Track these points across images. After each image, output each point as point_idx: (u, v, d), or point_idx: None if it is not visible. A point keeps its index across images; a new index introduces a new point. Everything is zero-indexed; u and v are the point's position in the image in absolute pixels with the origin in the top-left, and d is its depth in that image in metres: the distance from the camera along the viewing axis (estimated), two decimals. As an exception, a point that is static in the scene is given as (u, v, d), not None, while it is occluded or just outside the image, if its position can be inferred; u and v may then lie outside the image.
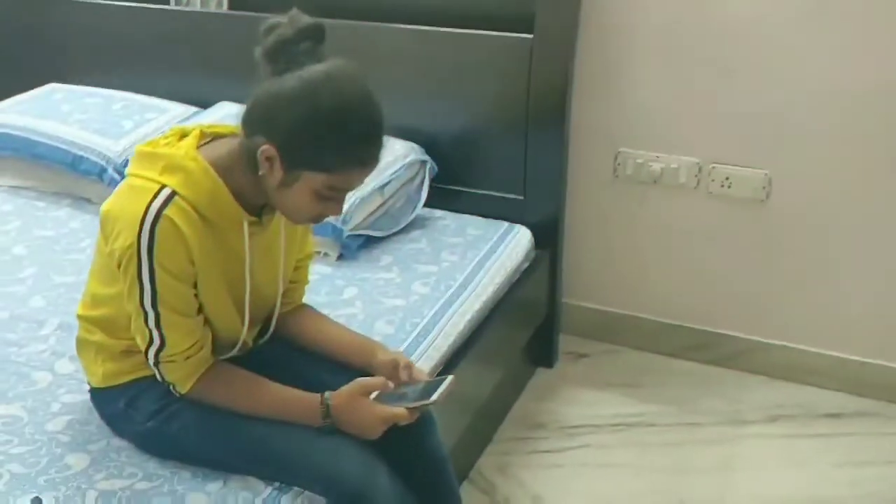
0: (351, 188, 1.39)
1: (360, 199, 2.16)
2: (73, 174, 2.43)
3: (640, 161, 2.41)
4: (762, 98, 2.24)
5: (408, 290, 2.01)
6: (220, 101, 2.54)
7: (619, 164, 2.45)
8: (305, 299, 1.68)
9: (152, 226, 1.31)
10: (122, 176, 1.44)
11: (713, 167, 2.35)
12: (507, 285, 2.20)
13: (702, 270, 2.48)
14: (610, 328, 2.62)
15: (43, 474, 1.41)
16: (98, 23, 2.75)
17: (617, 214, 2.51)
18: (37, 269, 2.06)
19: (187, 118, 2.57)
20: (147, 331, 1.37)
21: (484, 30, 2.28)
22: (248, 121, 1.35)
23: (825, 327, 2.40)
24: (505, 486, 2.08)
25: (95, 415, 1.53)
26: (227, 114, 2.44)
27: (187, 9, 2.65)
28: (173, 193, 1.34)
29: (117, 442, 1.48)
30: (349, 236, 2.15)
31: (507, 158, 2.36)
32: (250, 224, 1.42)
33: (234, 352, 1.51)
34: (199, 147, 1.41)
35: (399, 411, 1.41)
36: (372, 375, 1.50)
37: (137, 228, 1.31)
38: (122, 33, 2.73)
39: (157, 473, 1.41)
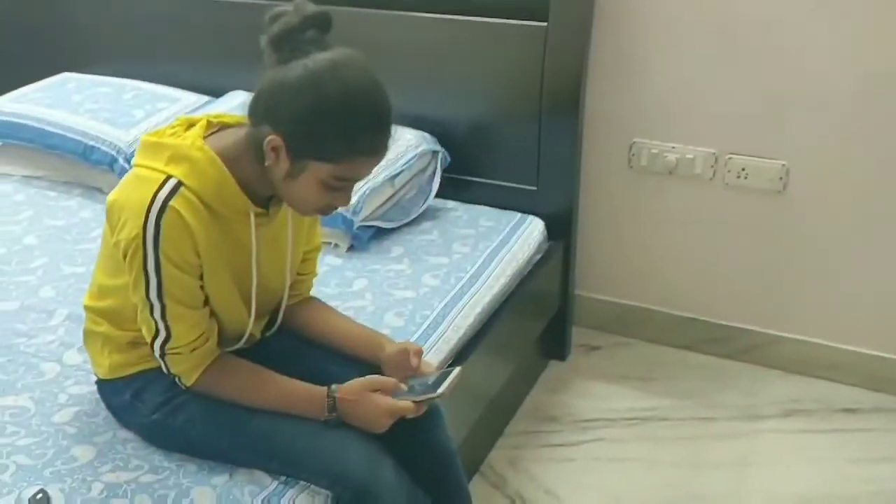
0: (359, 178, 1.37)
1: (370, 189, 2.14)
2: (84, 164, 2.43)
3: (655, 151, 2.38)
4: (780, 87, 2.20)
5: (418, 281, 1.99)
6: (236, 88, 2.53)
7: (633, 155, 2.41)
8: (314, 291, 1.66)
9: (158, 216, 1.30)
10: (132, 166, 1.43)
11: (730, 158, 2.31)
12: (519, 277, 2.17)
13: (717, 263, 2.44)
14: (623, 321, 2.59)
15: (49, 466, 1.40)
16: (112, 11, 2.74)
17: (631, 205, 2.48)
18: (47, 259, 2.06)
19: (199, 107, 2.56)
20: (153, 322, 1.36)
21: (497, 17, 2.25)
22: (254, 110, 1.34)
23: (842, 321, 2.36)
24: (516, 480, 2.07)
25: (102, 406, 1.53)
26: (239, 103, 2.43)
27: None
28: (179, 184, 1.32)
29: (123, 434, 1.48)
30: (360, 227, 2.13)
31: (520, 148, 2.33)
32: (257, 215, 1.41)
33: (241, 344, 1.50)
34: (205, 137, 1.39)
35: (405, 404, 1.39)
36: (380, 369, 1.49)
37: (143, 219, 1.30)
38: (136, 21, 2.72)
39: (163, 466, 1.40)
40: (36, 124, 2.49)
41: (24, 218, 2.27)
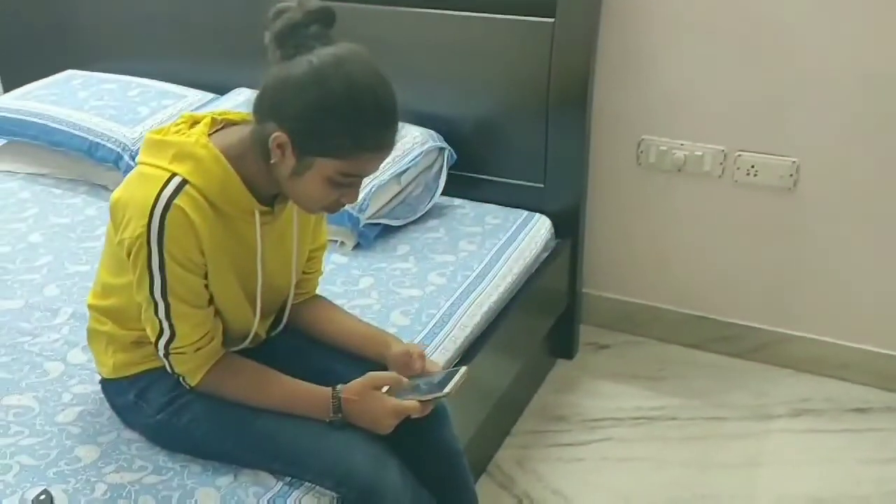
0: (366, 174, 1.35)
1: (376, 187, 2.12)
2: (89, 161, 2.42)
3: (663, 148, 2.36)
4: (790, 83, 2.18)
5: (424, 280, 1.98)
6: (240, 85, 2.52)
7: (641, 152, 2.39)
8: (320, 289, 1.65)
9: (162, 215, 1.29)
10: (136, 164, 1.42)
11: (739, 155, 2.29)
12: (527, 275, 2.16)
13: (727, 261, 2.42)
14: (631, 319, 2.57)
15: (52, 466, 1.40)
16: (117, 8, 2.74)
17: (640, 203, 2.45)
18: (52, 257, 2.05)
19: (204, 104, 2.55)
20: (157, 321, 1.35)
21: (503, 13, 2.23)
22: (259, 107, 1.32)
23: (853, 319, 2.34)
24: (523, 480, 2.05)
25: (106, 406, 1.52)
26: (244, 100, 2.42)
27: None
28: (184, 182, 1.31)
29: (128, 434, 1.47)
30: (366, 225, 2.11)
31: (527, 145, 2.32)
32: (262, 214, 1.39)
33: (247, 343, 1.49)
34: (210, 134, 1.38)
35: (411, 404, 1.38)
36: (385, 368, 1.48)
37: (147, 217, 1.29)
38: (141, 18, 2.71)
39: (167, 467, 1.39)
40: (41, 121, 2.48)
41: (30, 215, 2.26)
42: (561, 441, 2.18)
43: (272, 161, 1.30)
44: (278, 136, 1.28)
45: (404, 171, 2.22)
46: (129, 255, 1.32)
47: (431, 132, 2.33)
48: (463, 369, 1.44)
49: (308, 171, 1.30)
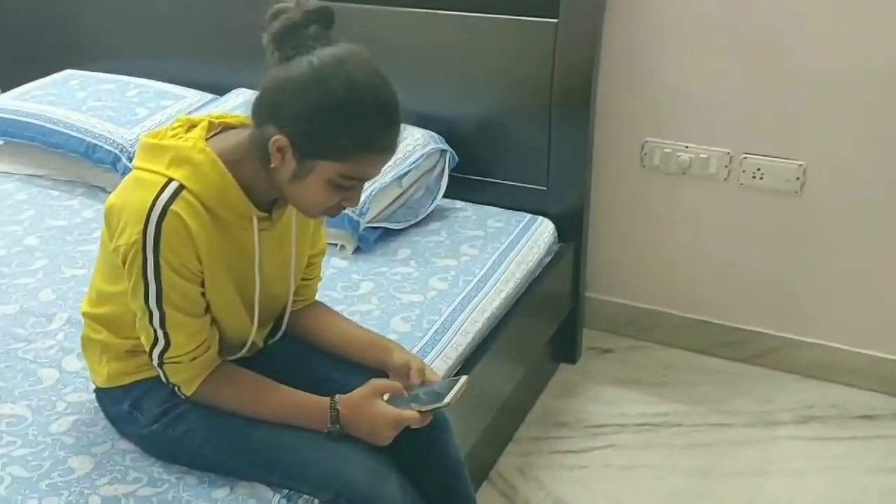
0: (368, 177, 1.32)
1: (377, 190, 2.09)
2: (87, 162, 2.39)
3: (667, 151, 2.33)
4: (797, 85, 2.14)
5: (425, 285, 1.95)
6: (239, 86, 2.49)
7: (645, 154, 2.36)
8: (320, 295, 1.62)
9: (158, 221, 1.26)
10: (132, 168, 1.39)
11: (745, 157, 2.26)
12: (529, 279, 2.13)
13: (731, 265, 2.39)
14: (635, 323, 2.55)
15: (45, 478, 1.37)
16: (116, 7, 2.71)
17: (644, 206, 2.42)
18: (48, 260, 2.02)
19: (203, 105, 2.52)
20: (152, 330, 1.32)
21: (506, 14, 2.20)
22: (258, 110, 1.29)
23: (860, 324, 2.31)
24: (525, 488, 2.02)
25: (101, 415, 1.49)
26: (243, 100, 2.40)
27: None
28: (181, 187, 1.28)
29: (122, 444, 1.44)
30: (366, 228, 2.08)
31: (530, 147, 2.29)
32: (260, 219, 1.36)
33: (244, 352, 1.46)
34: (207, 138, 1.35)
35: (410, 415, 1.35)
36: (386, 375, 1.45)
37: (143, 224, 1.26)
38: (139, 18, 2.68)
39: (163, 479, 1.37)
40: (38, 122, 2.45)
41: (26, 218, 2.23)
42: (563, 448, 2.15)
43: (272, 165, 1.28)
44: (278, 139, 1.25)
45: (405, 174, 2.19)
46: (124, 262, 1.29)
47: (433, 134, 2.30)
48: (464, 379, 1.41)
49: (309, 175, 1.27)
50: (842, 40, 2.07)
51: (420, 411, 1.36)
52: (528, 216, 2.28)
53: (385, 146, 1.29)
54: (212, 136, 1.36)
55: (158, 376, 1.38)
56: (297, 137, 1.25)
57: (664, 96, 2.28)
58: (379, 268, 2.02)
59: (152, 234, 1.26)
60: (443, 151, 2.31)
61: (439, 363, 1.71)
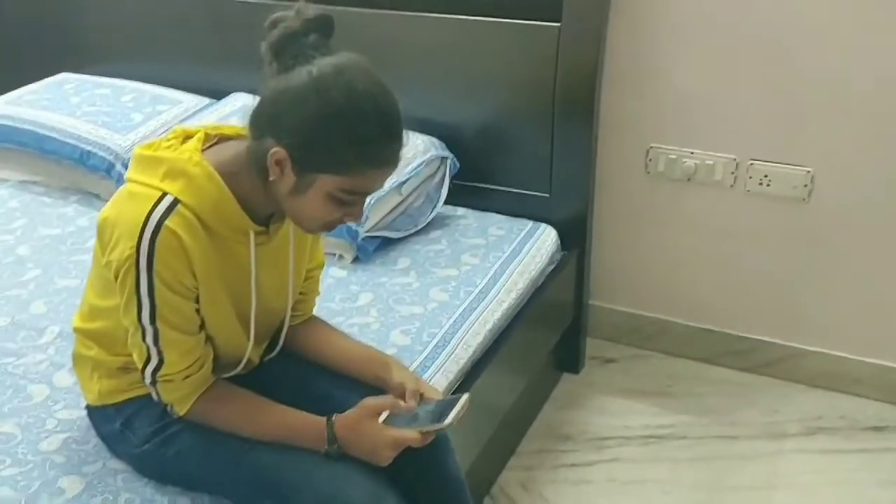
0: (371, 191, 1.28)
1: (377, 198, 2.05)
2: (81, 169, 2.35)
3: (672, 157, 2.28)
4: (804, 91, 2.10)
5: (426, 296, 1.91)
6: (237, 90, 2.44)
7: (650, 160, 2.32)
8: (318, 307, 1.58)
9: (152, 237, 1.22)
10: (126, 180, 1.34)
11: (751, 164, 2.22)
12: (532, 289, 2.08)
13: (738, 273, 2.35)
14: (640, 332, 2.50)
15: (34, 499, 1.33)
16: (113, 10, 2.67)
17: (648, 213, 2.38)
18: (40, 271, 1.98)
19: (200, 109, 2.48)
20: (144, 348, 1.28)
21: (507, 17, 2.15)
22: (256, 122, 1.25)
23: (868, 334, 2.27)
24: None
25: (93, 433, 1.45)
26: (241, 105, 2.36)
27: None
28: (175, 201, 1.24)
29: (114, 464, 1.40)
30: (365, 238, 2.04)
31: (533, 154, 2.24)
32: (257, 234, 1.32)
33: (239, 370, 1.41)
34: (203, 150, 1.31)
35: (410, 434, 1.30)
36: (383, 391, 1.40)
37: (136, 239, 1.22)
38: (137, 21, 2.64)
39: (155, 500, 1.33)
40: (32, 128, 2.41)
41: (18, 227, 2.19)
42: (567, 461, 2.11)
43: (270, 178, 1.23)
44: (277, 151, 1.21)
45: (405, 181, 2.14)
46: (116, 277, 1.25)
47: (434, 140, 2.26)
48: (464, 397, 1.36)
49: (309, 189, 1.23)
50: (852, 47, 2.03)
51: (421, 432, 1.32)
52: (531, 223, 2.24)
53: (386, 159, 1.24)
54: (208, 148, 1.32)
55: (150, 394, 1.34)
56: (296, 150, 1.21)
57: (669, 102, 2.24)
58: (378, 278, 1.98)
59: (146, 249, 1.22)
60: (443, 158, 2.27)
61: (440, 378, 1.67)
